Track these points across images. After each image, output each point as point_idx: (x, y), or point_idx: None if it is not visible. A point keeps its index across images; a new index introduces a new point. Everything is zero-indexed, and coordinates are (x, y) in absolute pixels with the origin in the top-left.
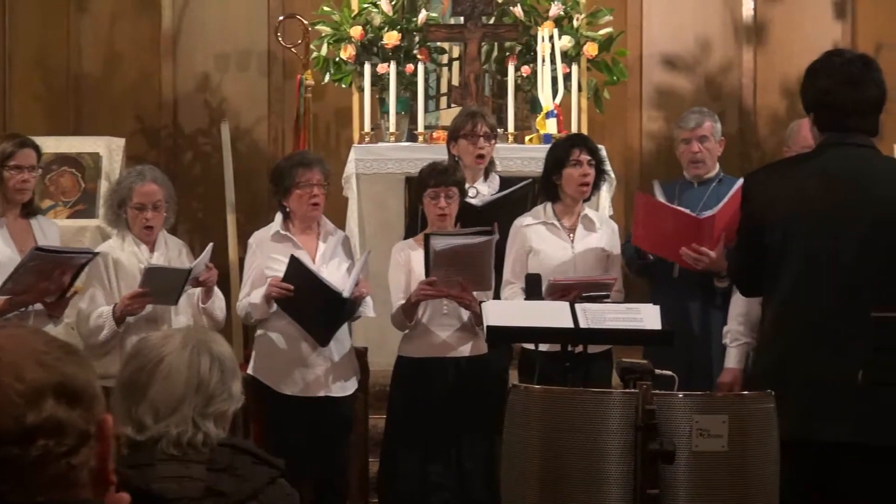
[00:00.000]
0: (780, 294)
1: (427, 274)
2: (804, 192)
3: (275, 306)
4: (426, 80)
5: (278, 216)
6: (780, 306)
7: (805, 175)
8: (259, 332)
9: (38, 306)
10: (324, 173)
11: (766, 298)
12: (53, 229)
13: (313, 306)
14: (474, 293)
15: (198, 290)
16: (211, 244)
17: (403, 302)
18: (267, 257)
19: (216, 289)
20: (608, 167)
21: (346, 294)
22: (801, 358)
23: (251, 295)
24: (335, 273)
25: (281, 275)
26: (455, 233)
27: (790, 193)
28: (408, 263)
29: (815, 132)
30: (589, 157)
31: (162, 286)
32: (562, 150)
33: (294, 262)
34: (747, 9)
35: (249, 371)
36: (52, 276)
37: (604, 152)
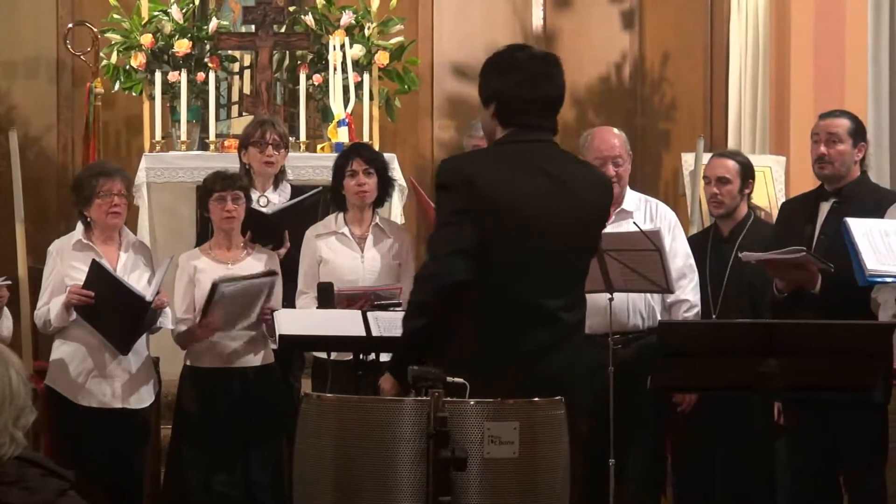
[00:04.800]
0: (494, 287)
1: (204, 312)
2: (520, 188)
3: (74, 314)
4: (217, 89)
5: (79, 225)
6: (495, 295)
7: (516, 169)
8: (57, 341)
9: None
10: (125, 183)
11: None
12: None
13: (114, 313)
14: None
15: None
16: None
17: (187, 322)
18: (67, 266)
19: (5, 309)
20: (395, 174)
21: (148, 298)
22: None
23: (50, 303)
24: (136, 283)
25: (81, 283)
26: (241, 277)
27: (507, 187)
28: (193, 274)
29: (494, 124)
30: (366, 166)
31: None
32: (340, 160)
33: (95, 268)
34: (537, 18)
35: (46, 381)
36: None
37: (395, 161)
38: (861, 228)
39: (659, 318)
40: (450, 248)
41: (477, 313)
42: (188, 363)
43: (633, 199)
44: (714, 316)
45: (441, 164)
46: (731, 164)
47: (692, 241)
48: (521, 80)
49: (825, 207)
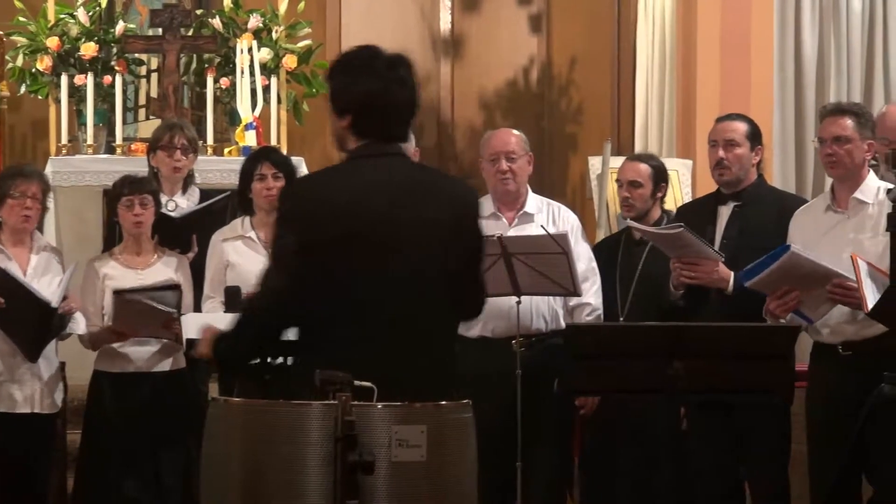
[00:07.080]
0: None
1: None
2: (375, 202)
3: None
4: (124, 92)
5: None
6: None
7: (371, 184)
8: None
9: None
10: (42, 187)
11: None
12: None
13: (22, 318)
14: None
15: None
16: None
17: (95, 327)
18: None
19: None
20: None
21: (54, 304)
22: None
23: None
24: (47, 288)
25: None
26: (143, 288)
27: (361, 203)
28: (102, 279)
29: (347, 134)
30: (275, 170)
31: None
32: (248, 165)
33: (0, 272)
34: (445, 22)
35: None
36: None
37: (303, 165)
38: (791, 262)
39: (561, 320)
40: (277, 288)
41: (340, 331)
42: (98, 368)
43: (535, 202)
44: (622, 318)
45: (286, 188)
46: (643, 167)
47: (605, 242)
48: (374, 88)
49: (725, 211)
